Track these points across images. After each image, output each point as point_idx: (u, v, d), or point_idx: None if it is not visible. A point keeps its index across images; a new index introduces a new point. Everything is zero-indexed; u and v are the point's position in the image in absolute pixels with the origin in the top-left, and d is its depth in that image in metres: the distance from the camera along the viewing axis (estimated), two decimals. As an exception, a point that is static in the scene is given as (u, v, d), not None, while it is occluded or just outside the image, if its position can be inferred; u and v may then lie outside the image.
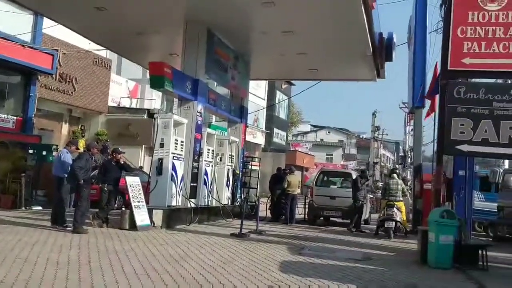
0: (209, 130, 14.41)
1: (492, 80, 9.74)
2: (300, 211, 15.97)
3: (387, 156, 75.16)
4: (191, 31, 12.55)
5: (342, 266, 7.54)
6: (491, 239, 13.45)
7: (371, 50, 13.74)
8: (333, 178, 16.98)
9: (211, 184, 13.36)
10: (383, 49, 15.10)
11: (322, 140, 71.58)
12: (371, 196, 23.36)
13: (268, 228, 12.33)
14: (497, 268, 8.51)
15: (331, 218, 15.80)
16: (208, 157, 13.14)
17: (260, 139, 34.09)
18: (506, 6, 8.84)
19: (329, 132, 74.65)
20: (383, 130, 57.36)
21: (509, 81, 10.60)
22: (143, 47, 15.43)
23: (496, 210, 13.79)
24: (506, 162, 23.19)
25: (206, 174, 13.01)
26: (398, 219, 12.48)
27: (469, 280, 7.21)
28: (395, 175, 13.59)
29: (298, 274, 6.51)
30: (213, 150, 13.52)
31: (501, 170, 14.84)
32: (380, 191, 18.49)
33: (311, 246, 9.67)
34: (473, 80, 9.78)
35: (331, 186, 15.97)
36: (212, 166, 13.41)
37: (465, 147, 8.66)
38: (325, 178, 16.47)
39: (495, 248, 10.41)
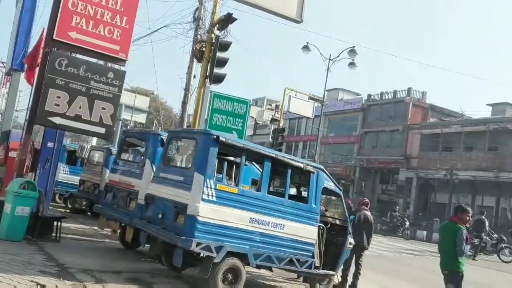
0: None
1: (94, 60, 10.05)
2: None
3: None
4: None
5: None
6: (68, 211, 13.94)
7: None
8: None
9: None
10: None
11: None
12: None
13: None
14: (68, 239, 8.90)
15: None
16: None
17: None
18: (117, -7, 9.34)
19: None
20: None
21: (110, 65, 11.20)
22: None
23: (78, 184, 14.38)
24: (94, 139, 24.82)
25: None
26: None
27: (39, 251, 7.27)
28: None
29: None
30: None
31: (88, 146, 15.62)
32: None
33: None
34: (77, 55, 9.87)
35: None
36: None
37: (58, 120, 8.69)
38: None
39: (71, 219, 10.92)
